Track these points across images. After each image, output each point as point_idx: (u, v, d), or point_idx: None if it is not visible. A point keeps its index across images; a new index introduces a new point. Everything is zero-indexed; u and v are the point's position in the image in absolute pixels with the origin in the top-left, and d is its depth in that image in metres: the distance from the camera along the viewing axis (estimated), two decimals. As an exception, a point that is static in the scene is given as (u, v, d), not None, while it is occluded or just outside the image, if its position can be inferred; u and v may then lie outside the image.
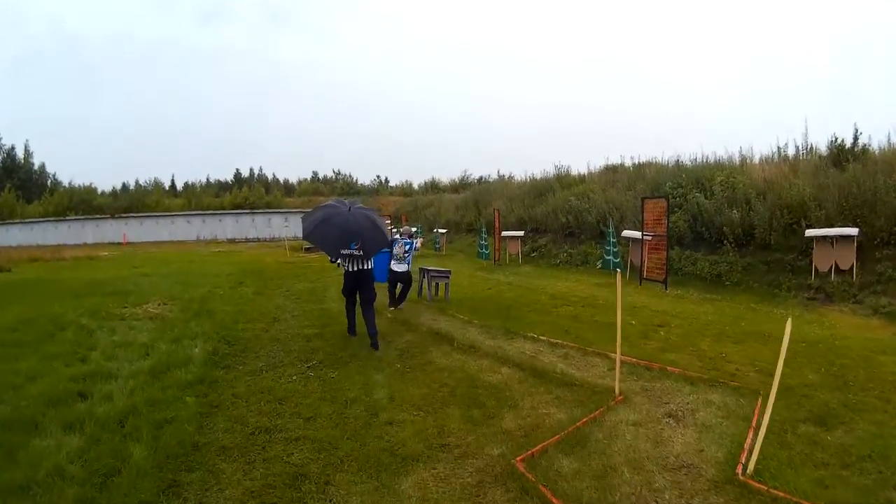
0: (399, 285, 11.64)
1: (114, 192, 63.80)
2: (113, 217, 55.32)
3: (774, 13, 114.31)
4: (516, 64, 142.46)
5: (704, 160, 22.59)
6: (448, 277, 13.69)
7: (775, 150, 20.93)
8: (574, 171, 30.71)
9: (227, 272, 19.77)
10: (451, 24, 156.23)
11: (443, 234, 29.69)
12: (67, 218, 55.31)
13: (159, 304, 12.45)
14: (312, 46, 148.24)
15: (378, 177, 75.18)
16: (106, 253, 35.13)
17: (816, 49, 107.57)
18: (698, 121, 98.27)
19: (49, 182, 70.01)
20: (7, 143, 68.31)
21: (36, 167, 70.80)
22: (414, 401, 6.21)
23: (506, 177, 45.82)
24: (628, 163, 28.35)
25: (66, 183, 65.94)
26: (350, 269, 8.54)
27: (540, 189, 29.65)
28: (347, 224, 8.16)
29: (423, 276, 13.88)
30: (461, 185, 59.56)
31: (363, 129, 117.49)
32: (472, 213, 34.07)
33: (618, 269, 6.72)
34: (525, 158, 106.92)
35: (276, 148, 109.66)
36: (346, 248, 8.15)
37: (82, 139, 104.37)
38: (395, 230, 15.97)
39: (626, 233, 18.08)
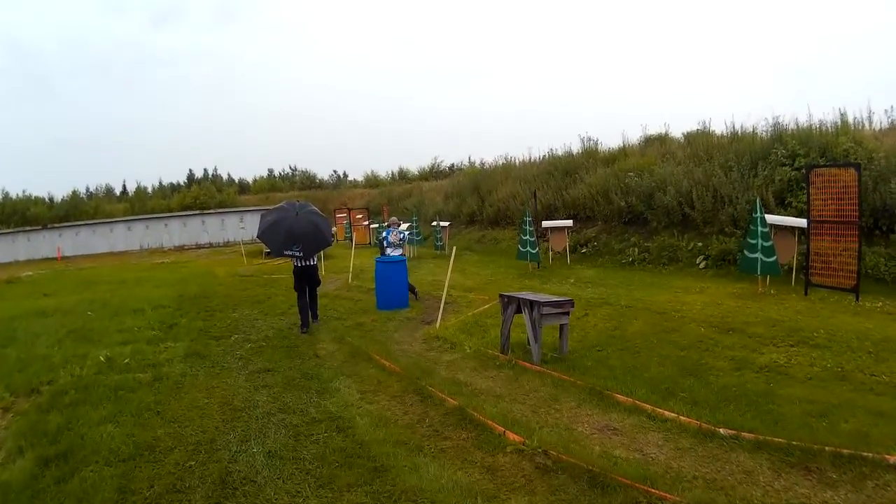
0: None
1: (50, 200, 54.78)
2: (45, 228, 47.14)
3: None
4: (475, 44, 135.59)
5: (802, 125, 16.67)
6: (569, 314, 7.24)
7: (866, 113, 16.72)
8: (603, 145, 24.74)
9: (159, 300, 13.14)
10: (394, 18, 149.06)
11: (444, 227, 22.97)
12: (-5, 231, 47.08)
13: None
14: (262, 45, 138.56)
15: (335, 171, 68.27)
16: (30, 273, 27.79)
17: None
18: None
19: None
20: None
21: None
22: None
23: (480, 161, 39.82)
24: (676, 133, 23.03)
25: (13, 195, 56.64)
26: (298, 265, 9.44)
27: (566, 167, 23.58)
28: (292, 228, 9.18)
29: (518, 311, 7.46)
30: (433, 173, 55.30)
31: (317, 125, 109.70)
32: (473, 200, 27.66)
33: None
34: (498, 142, 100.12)
35: (230, 149, 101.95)
36: (288, 250, 9.20)
37: (35, 150, 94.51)
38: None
39: (774, 219, 11.96)
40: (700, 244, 15.26)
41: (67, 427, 5.24)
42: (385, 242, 12.38)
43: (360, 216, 32.05)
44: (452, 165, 56.42)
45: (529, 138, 79.81)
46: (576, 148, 25.43)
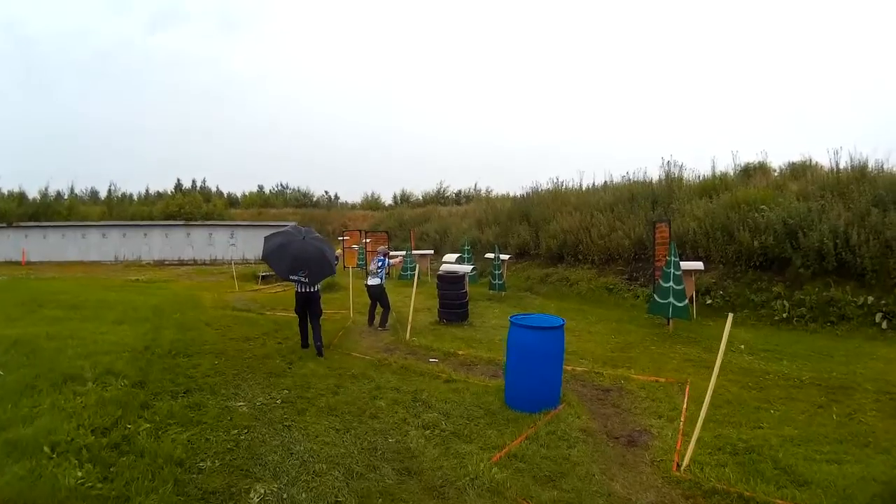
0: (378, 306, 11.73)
1: (20, 196, 48.39)
2: (11, 227, 41.25)
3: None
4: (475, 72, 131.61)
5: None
6: None
7: None
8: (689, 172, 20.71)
9: (114, 353, 7.88)
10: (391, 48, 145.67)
11: (504, 261, 17.68)
12: (-47, 230, 41.00)
13: None
14: (263, 58, 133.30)
15: (326, 192, 63.15)
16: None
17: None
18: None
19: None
20: None
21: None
22: None
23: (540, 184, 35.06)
24: (775, 163, 19.87)
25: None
26: (300, 291, 9.06)
27: (645, 195, 19.36)
28: (299, 253, 8.87)
29: None
30: (439, 198, 52.50)
31: (306, 144, 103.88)
32: (524, 230, 22.61)
33: None
34: (513, 172, 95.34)
35: (218, 163, 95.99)
36: (294, 275, 8.85)
37: (13, 144, 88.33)
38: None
39: None
40: (871, 298, 11.87)
41: None
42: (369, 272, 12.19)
43: (367, 241, 25.83)
44: (459, 192, 53.82)
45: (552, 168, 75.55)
46: (654, 174, 21.43)
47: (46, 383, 6.27)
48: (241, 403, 6.09)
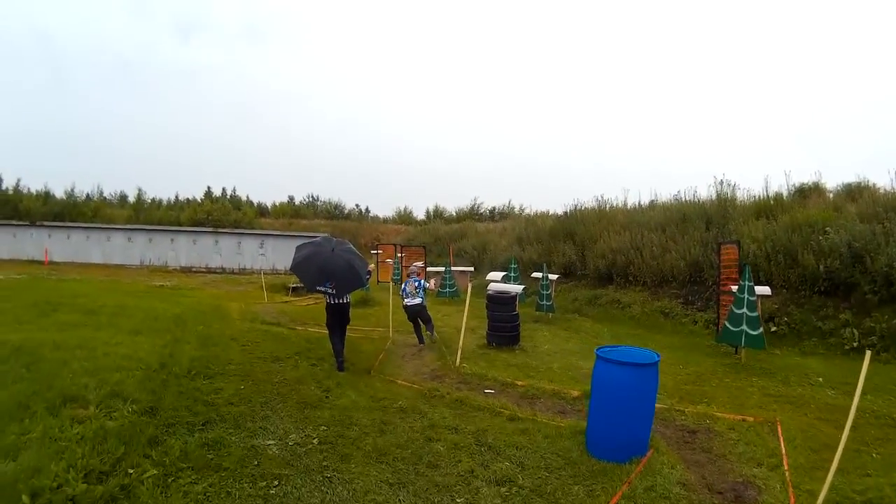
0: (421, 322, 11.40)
1: (46, 195, 48.04)
2: (34, 225, 40.90)
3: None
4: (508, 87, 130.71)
5: None
6: None
7: None
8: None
9: (125, 370, 7.00)
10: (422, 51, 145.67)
11: (553, 280, 16.50)
12: (-29, 226, 40.73)
13: None
14: (295, 70, 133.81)
15: (357, 205, 62.73)
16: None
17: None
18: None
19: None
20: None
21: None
22: None
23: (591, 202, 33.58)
24: (830, 184, 18.74)
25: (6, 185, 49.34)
26: (332, 303, 8.86)
27: (706, 215, 18.06)
28: (326, 264, 8.65)
29: None
30: (473, 215, 51.27)
31: (335, 157, 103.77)
32: (569, 249, 21.46)
33: None
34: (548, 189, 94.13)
35: (248, 173, 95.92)
36: (321, 286, 8.60)
37: (45, 144, 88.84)
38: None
39: None
40: None
41: None
42: (403, 293, 11.51)
43: (402, 255, 24.78)
44: (493, 209, 52.67)
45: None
46: (703, 192, 20.48)
47: (42, 404, 5.38)
48: (271, 442, 5.12)
